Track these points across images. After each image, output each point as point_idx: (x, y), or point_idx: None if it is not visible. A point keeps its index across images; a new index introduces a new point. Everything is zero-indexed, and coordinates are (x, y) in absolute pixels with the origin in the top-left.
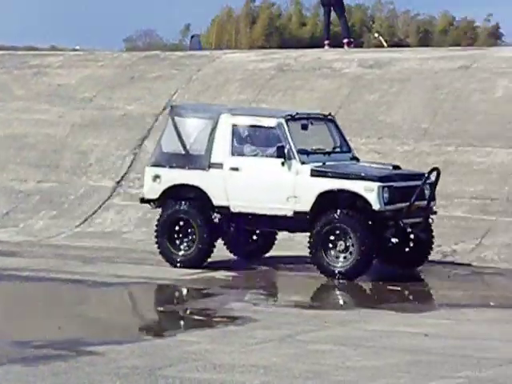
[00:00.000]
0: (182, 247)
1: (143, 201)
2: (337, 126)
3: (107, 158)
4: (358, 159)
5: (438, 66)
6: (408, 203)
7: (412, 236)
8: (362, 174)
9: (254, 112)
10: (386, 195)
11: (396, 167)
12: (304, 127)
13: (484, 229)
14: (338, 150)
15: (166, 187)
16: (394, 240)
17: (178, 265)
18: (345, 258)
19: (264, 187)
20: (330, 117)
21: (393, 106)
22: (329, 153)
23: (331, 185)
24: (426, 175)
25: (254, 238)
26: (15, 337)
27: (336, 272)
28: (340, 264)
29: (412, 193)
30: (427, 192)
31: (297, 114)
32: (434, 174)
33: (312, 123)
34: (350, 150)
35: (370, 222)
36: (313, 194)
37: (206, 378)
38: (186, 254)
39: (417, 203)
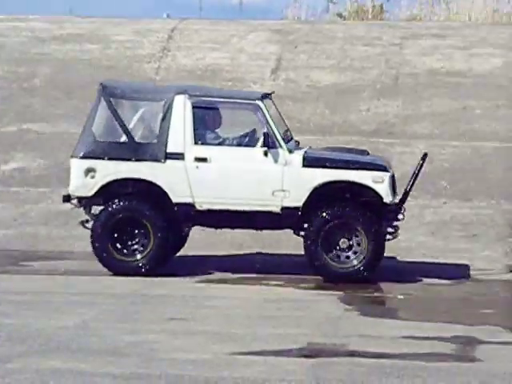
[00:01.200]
0: (129, 253)
1: (68, 198)
2: (275, 105)
3: None
4: (298, 143)
5: None
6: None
7: None
8: (368, 163)
9: (218, 93)
10: (392, 186)
11: (368, 153)
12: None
13: None
14: (288, 134)
15: (105, 182)
16: (389, 236)
17: (125, 272)
18: (347, 257)
19: (243, 180)
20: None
21: None
22: (289, 139)
23: (331, 176)
24: (421, 161)
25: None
26: None
27: (351, 271)
28: (351, 264)
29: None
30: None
31: (270, 93)
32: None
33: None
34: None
35: (378, 217)
36: (308, 188)
37: None
38: (138, 259)
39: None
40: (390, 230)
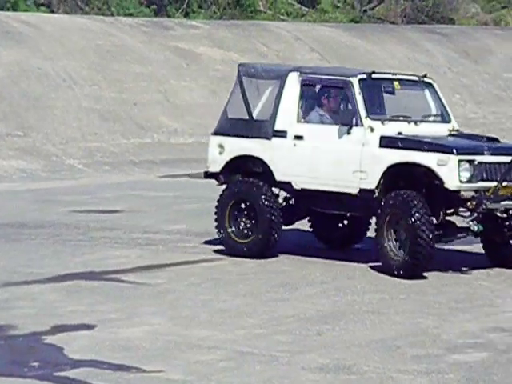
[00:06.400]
0: (243, 233)
1: (207, 175)
2: (435, 91)
3: None
4: (458, 131)
5: None
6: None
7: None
8: (437, 145)
9: (326, 71)
10: (465, 171)
11: (492, 139)
12: (389, 91)
13: None
14: (431, 119)
15: (229, 159)
16: (475, 227)
17: (242, 254)
18: (400, 248)
19: (328, 159)
20: (426, 79)
21: None
22: (416, 121)
23: (399, 157)
24: None
25: (341, 224)
26: None
27: (400, 262)
28: (400, 255)
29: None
30: None
31: (373, 72)
32: None
33: (401, 86)
34: (449, 121)
35: (439, 204)
36: (380, 169)
37: None
38: (247, 241)
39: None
40: (468, 224)
